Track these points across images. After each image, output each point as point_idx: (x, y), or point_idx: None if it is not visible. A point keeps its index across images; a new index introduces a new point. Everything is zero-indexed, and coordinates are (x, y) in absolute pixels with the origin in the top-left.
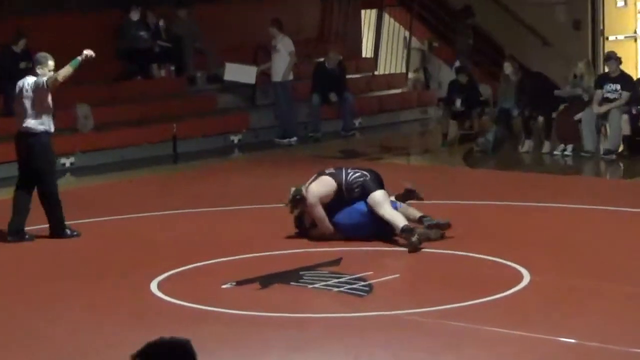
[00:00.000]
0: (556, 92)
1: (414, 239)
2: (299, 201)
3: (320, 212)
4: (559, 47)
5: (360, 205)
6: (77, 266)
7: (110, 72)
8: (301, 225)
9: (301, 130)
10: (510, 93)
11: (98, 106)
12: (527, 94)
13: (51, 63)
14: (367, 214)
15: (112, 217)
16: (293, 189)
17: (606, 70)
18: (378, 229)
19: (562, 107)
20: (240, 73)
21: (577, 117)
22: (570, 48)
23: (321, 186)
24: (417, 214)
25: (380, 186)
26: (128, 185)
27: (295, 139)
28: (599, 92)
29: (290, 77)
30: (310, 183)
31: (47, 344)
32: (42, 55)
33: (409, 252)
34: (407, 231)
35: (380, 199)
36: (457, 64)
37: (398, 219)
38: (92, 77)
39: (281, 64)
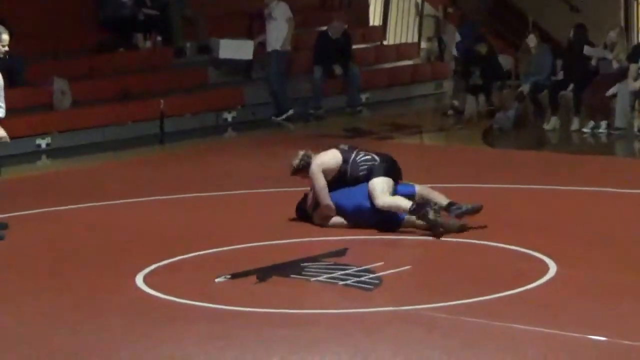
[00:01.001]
0: (586, 49)
1: (431, 215)
2: (304, 167)
3: (321, 181)
4: (588, 13)
5: (363, 188)
6: (53, 259)
7: (90, 43)
8: (302, 210)
9: (301, 106)
10: (536, 66)
11: (76, 80)
12: (564, 65)
13: (5, 37)
14: (369, 198)
15: (91, 204)
16: (302, 152)
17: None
18: (382, 220)
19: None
20: (236, 49)
21: (610, 92)
22: (601, 14)
23: (327, 157)
24: (443, 200)
25: (388, 174)
26: (110, 168)
27: (292, 111)
28: (633, 66)
29: (288, 47)
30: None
31: (19, 344)
32: None
33: (434, 235)
34: (416, 210)
35: (377, 186)
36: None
37: (400, 203)
38: (70, 49)
39: (277, 32)
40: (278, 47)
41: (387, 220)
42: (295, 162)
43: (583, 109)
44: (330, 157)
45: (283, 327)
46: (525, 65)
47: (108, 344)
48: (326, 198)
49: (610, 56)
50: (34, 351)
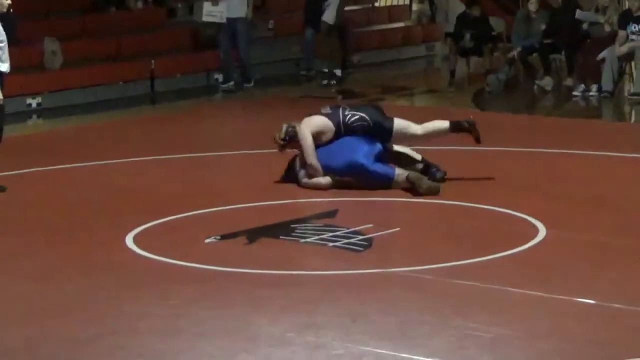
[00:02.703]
0: (578, 13)
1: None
2: (291, 138)
3: (309, 139)
4: None
5: (352, 142)
6: (44, 219)
7: (81, 2)
8: (291, 173)
9: (292, 68)
10: (533, 31)
11: (67, 40)
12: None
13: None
14: (361, 150)
15: (82, 164)
16: (285, 125)
17: (629, 6)
18: (373, 176)
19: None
20: (214, 12)
21: (601, 56)
22: None
23: (316, 121)
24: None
25: (382, 131)
26: (100, 128)
27: (232, 83)
28: (622, 32)
29: (250, 14)
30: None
31: (10, 303)
32: None
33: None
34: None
35: (404, 124)
36: None
37: (439, 124)
38: (60, 8)
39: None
40: (243, 15)
41: (379, 177)
42: (281, 135)
43: (575, 72)
44: (319, 121)
45: (272, 287)
46: (521, 28)
47: (95, 304)
48: (313, 157)
49: (601, 20)
50: (24, 309)
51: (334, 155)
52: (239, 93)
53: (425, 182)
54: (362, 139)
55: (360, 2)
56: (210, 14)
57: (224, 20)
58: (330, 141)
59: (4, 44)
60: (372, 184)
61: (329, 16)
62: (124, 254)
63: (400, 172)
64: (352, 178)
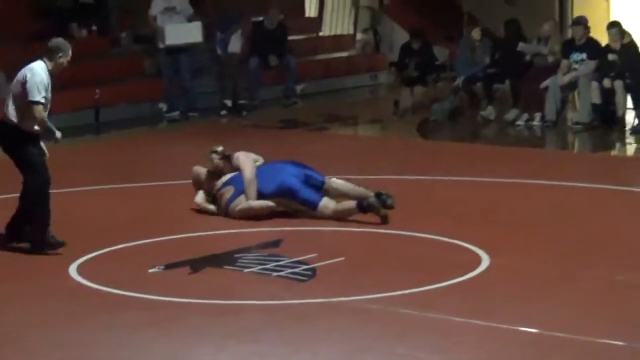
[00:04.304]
0: (520, 46)
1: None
2: (226, 157)
3: (252, 170)
4: (523, 6)
5: (282, 166)
6: None
7: (25, 31)
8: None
9: (237, 97)
10: (477, 60)
11: (11, 69)
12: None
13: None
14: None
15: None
16: (213, 150)
17: (572, 35)
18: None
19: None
20: (183, 33)
21: (544, 84)
22: (536, 7)
23: (250, 155)
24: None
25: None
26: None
27: (178, 112)
28: (565, 62)
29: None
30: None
31: None
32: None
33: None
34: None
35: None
36: None
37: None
38: (3, 37)
39: (184, 25)
40: (192, 41)
41: (304, 202)
42: (215, 157)
43: (519, 101)
44: (257, 156)
45: (216, 316)
46: (465, 57)
47: (35, 333)
48: (251, 198)
49: (545, 51)
50: None
51: (264, 179)
52: (184, 122)
53: (382, 209)
54: (290, 163)
55: (305, 31)
56: (177, 36)
57: (200, 40)
58: (260, 167)
59: None
60: (298, 206)
61: (236, 46)
62: (66, 283)
63: (327, 203)
64: (280, 200)
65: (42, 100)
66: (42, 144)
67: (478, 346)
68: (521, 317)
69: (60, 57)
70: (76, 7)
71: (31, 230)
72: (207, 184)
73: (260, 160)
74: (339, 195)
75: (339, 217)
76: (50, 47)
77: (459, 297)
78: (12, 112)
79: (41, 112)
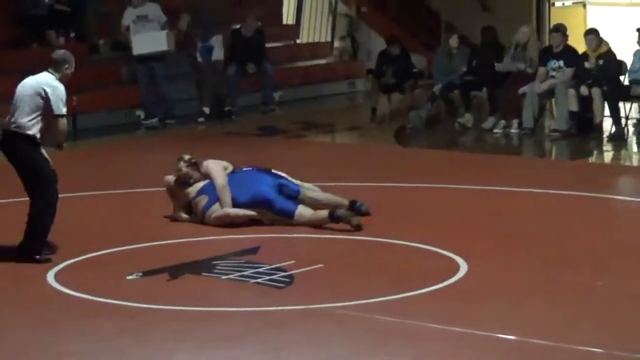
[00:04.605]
0: (497, 66)
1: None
2: (193, 164)
3: (223, 177)
4: (501, 13)
5: (256, 175)
6: None
7: (2, 39)
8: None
9: (214, 104)
10: (454, 67)
11: None
12: (481, 64)
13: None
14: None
15: (3, 200)
16: (181, 158)
17: (550, 42)
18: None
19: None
20: (150, 42)
21: (522, 90)
22: (513, 15)
23: (218, 161)
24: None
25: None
26: None
27: (156, 119)
28: (542, 69)
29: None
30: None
31: None
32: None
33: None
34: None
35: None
36: None
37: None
38: None
39: (157, 33)
40: (164, 49)
41: (280, 211)
42: (186, 157)
43: (497, 109)
44: (227, 163)
45: (194, 323)
46: (442, 65)
47: (11, 339)
48: (226, 204)
49: (522, 66)
50: None
51: (238, 188)
52: (162, 129)
53: (355, 218)
54: (264, 171)
55: (282, 39)
56: (145, 45)
57: (166, 48)
58: (231, 175)
59: None
60: (274, 216)
61: (220, 53)
62: (44, 290)
63: (302, 211)
64: (255, 210)
65: (66, 113)
66: (43, 150)
67: (456, 353)
68: (500, 324)
69: (67, 68)
70: (53, 14)
71: (31, 240)
72: (178, 193)
73: (230, 168)
74: (313, 203)
75: (314, 225)
76: (57, 59)
77: (437, 304)
78: (24, 124)
79: (66, 125)
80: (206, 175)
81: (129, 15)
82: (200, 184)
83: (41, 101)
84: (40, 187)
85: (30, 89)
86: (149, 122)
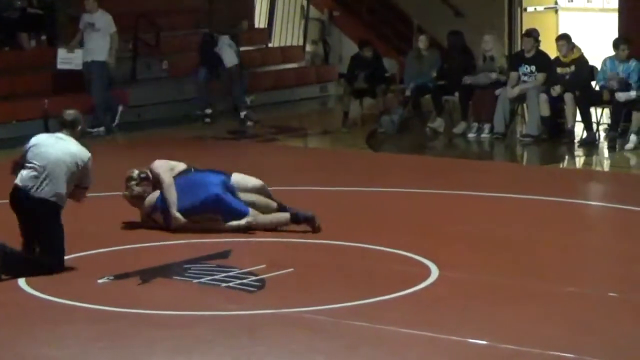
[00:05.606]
0: (465, 79)
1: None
2: (143, 179)
3: (168, 178)
4: (473, 19)
5: (205, 177)
6: None
7: None
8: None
9: (186, 107)
10: (424, 69)
11: None
12: (450, 69)
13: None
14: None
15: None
16: (136, 169)
17: (522, 47)
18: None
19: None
20: (69, 59)
21: (498, 91)
22: (485, 20)
23: (173, 162)
24: (273, 204)
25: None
26: None
27: (103, 128)
28: (513, 74)
29: (113, 60)
30: None
31: None
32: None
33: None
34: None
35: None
36: None
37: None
38: None
39: (101, 44)
40: (102, 59)
41: (234, 211)
42: (133, 185)
43: (470, 113)
44: (176, 162)
45: (165, 328)
46: (413, 67)
47: None
48: (173, 204)
49: (494, 76)
50: None
51: (188, 194)
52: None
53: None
54: (208, 173)
55: (254, 42)
56: (65, 61)
57: (80, 67)
58: (178, 180)
59: None
60: (228, 217)
61: (232, 59)
62: (16, 294)
63: (256, 213)
64: (208, 216)
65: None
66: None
67: (427, 358)
68: (471, 329)
69: (80, 127)
70: (25, 17)
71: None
72: (138, 205)
73: (180, 166)
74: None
75: (269, 228)
76: (71, 121)
77: (408, 309)
78: (59, 194)
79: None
80: (157, 180)
81: (82, 21)
82: (154, 198)
83: (77, 173)
84: (48, 249)
85: (68, 159)
86: (97, 131)
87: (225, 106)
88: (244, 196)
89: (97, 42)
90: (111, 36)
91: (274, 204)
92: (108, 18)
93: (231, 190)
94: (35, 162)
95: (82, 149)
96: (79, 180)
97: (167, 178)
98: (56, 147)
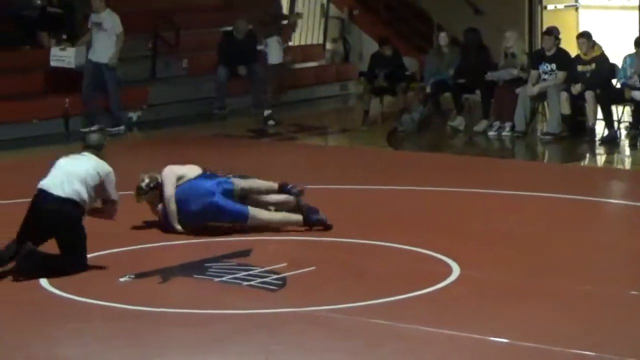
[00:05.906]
0: (488, 75)
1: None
2: (152, 188)
3: (170, 189)
4: (492, 17)
5: (202, 184)
6: None
7: None
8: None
9: (205, 106)
10: (444, 67)
11: None
12: (468, 67)
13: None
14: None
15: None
16: (146, 177)
17: (543, 45)
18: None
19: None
20: (62, 57)
21: (519, 90)
22: (505, 18)
23: (185, 167)
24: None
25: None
26: (10, 166)
27: (123, 127)
28: (534, 72)
29: (116, 61)
30: None
31: None
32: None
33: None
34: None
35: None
36: None
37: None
38: None
39: (108, 44)
40: (107, 61)
41: (233, 214)
42: (142, 194)
43: (492, 111)
44: (188, 168)
45: (185, 326)
46: (433, 63)
47: (4, 343)
48: (174, 216)
49: (515, 72)
50: None
51: (186, 204)
52: (155, 131)
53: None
54: (201, 180)
55: None
56: (58, 58)
57: (72, 66)
58: (182, 186)
59: None
60: (229, 220)
61: (277, 57)
62: (37, 292)
63: (256, 213)
64: (208, 222)
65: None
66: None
67: (448, 356)
68: (491, 327)
69: (103, 149)
70: (44, 16)
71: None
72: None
73: (191, 173)
74: (253, 193)
75: (278, 227)
76: (96, 145)
77: (429, 308)
78: (75, 192)
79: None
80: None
81: (90, 20)
82: (162, 206)
83: (98, 184)
84: (71, 250)
85: (89, 166)
86: (116, 130)
87: (245, 104)
88: (244, 182)
89: (103, 42)
90: (117, 36)
91: (275, 185)
92: (115, 18)
93: (228, 190)
94: (58, 170)
95: (104, 163)
96: (101, 193)
97: (168, 190)
98: (78, 160)
